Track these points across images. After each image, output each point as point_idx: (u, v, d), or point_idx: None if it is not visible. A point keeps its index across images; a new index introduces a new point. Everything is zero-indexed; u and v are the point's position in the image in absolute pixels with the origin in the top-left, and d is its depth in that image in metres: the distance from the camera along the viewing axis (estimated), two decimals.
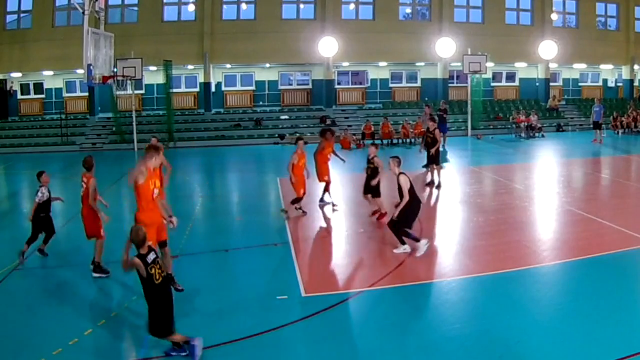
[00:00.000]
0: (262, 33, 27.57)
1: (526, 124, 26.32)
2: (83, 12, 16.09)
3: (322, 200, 12.35)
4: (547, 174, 17.01)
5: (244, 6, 28.39)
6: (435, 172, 14.08)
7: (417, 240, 8.70)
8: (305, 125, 27.51)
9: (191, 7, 27.13)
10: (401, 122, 25.45)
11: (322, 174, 12.07)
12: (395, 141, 24.56)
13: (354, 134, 24.95)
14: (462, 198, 13.25)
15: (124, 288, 7.77)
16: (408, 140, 24.67)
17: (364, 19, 29.13)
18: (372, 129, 24.96)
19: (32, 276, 8.41)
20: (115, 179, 17.52)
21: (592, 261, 8.34)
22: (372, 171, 10.71)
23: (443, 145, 22.93)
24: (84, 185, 8.86)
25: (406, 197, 8.47)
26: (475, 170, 17.33)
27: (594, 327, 6.14)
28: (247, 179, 15.99)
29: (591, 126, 24.65)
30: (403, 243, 8.74)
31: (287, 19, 28.44)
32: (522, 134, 26.17)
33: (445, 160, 19.73)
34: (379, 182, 10.51)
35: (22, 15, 27.79)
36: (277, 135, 26.20)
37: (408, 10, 30.70)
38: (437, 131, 13.90)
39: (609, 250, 8.68)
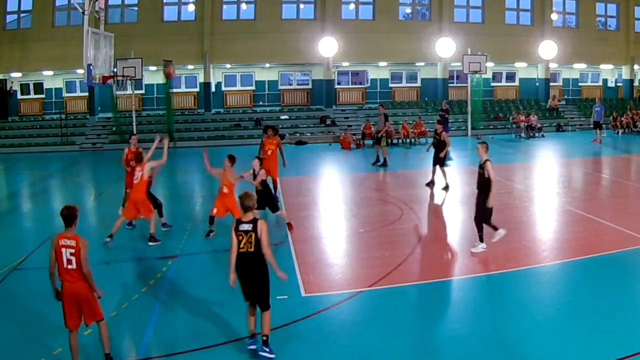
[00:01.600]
0: (262, 33, 27.55)
1: (526, 124, 26.32)
2: (83, 12, 16.09)
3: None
4: (547, 174, 17.02)
5: (244, 6, 28.38)
6: (441, 173, 14.01)
7: (496, 228, 8.84)
8: (305, 125, 27.50)
9: (191, 7, 27.13)
10: (401, 122, 25.43)
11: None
12: (395, 141, 24.53)
13: (354, 134, 24.94)
14: (462, 198, 13.24)
15: (124, 288, 7.78)
16: (408, 140, 24.65)
17: (364, 19, 29.12)
18: (372, 129, 24.93)
19: (32, 276, 8.40)
20: (116, 179, 17.52)
21: (592, 261, 8.35)
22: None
23: None
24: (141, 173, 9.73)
25: (494, 181, 8.61)
26: (476, 170, 17.28)
27: (594, 327, 6.14)
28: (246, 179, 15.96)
29: (591, 126, 24.65)
30: (482, 240, 8.79)
31: (287, 19, 28.42)
32: (522, 134, 26.16)
33: (449, 160, 19.75)
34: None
35: (22, 15, 27.77)
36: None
37: (408, 10, 30.70)
38: (444, 133, 13.93)
39: (609, 250, 8.68)
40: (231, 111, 29.14)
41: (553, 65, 31.05)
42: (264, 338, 5.72)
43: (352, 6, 29.02)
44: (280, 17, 28.39)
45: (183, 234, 10.22)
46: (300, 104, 30.26)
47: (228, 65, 29.33)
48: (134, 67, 23.38)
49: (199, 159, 13.50)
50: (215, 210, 9.88)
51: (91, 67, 16.04)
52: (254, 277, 5.80)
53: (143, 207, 9.66)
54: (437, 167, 13.96)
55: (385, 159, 17.95)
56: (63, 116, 26.68)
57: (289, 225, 10.22)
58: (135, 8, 27.80)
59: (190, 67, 28.56)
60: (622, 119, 27.04)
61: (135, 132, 24.44)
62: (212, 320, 6.67)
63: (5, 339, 6.19)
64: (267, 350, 5.66)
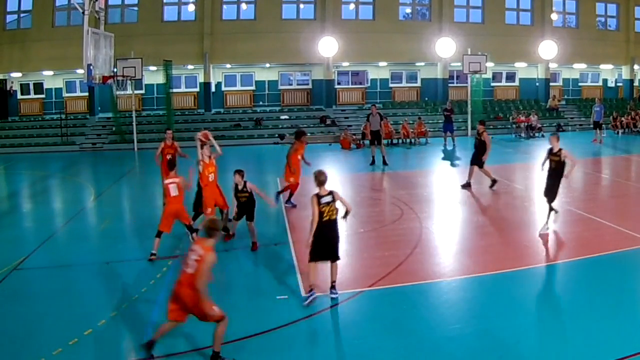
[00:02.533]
0: (262, 33, 27.56)
1: (526, 124, 26.32)
2: (83, 12, 16.07)
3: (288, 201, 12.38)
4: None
5: (244, 6, 28.38)
6: (474, 173, 13.92)
7: (556, 211, 9.99)
8: (305, 125, 27.48)
9: (191, 7, 27.12)
10: (401, 122, 25.43)
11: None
12: (395, 141, 24.54)
13: (354, 134, 24.94)
14: (462, 198, 13.24)
15: (124, 288, 7.78)
16: (408, 140, 24.65)
17: (364, 19, 29.12)
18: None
19: (32, 276, 8.41)
20: (116, 179, 17.53)
21: (592, 261, 8.35)
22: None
23: (453, 145, 23.01)
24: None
25: (574, 162, 9.79)
26: (475, 170, 17.28)
27: (594, 327, 6.14)
28: (247, 179, 15.95)
29: (591, 126, 24.65)
30: (553, 210, 9.91)
31: (287, 19, 28.42)
32: (522, 134, 26.16)
33: (451, 159, 19.77)
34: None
35: (22, 15, 27.77)
36: (277, 135, 26.20)
37: (408, 10, 30.70)
38: (485, 134, 13.83)
39: (609, 250, 8.68)
40: (231, 111, 29.13)
41: (553, 65, 31.04)
42: (333, 283, 7.09)
43: (352, 6, 29.02)
44: (280, 17, 28.39)
45: (183, 234, 10.21)
46: (300, 104, 30.26)
47: (228, 65, 29.33)
48: (134, 67, 23.41)
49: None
50: (210, 210, 9.69)
51: (91, 67, 16.02)
52: (336, 238, 6.99)
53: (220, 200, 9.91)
54: (476, 167, 13.80)
55: (384, 157, 18.02)
56: (63, 116, 26.68)
57: (254, 244, 9.40)
58: (135, 8, 27.80)
59: (190, 67, 28.57)
60: (623, 119, 27.04)
61: (135, 131, 24.55)
62: None
63: (5, 339, 6.19)
64: (335, 292, 7.10)
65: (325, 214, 6.78)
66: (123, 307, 7.02)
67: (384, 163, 18.09)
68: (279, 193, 12.69)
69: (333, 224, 6.89)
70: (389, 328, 6.37)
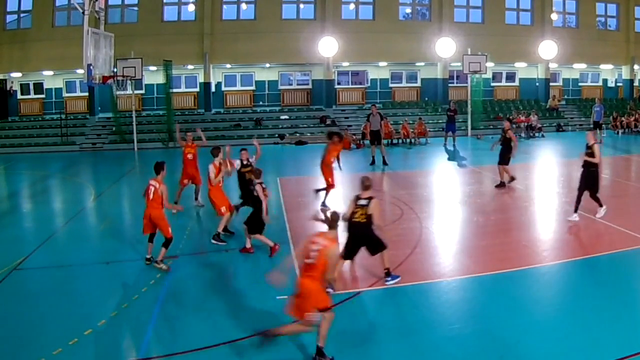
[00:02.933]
0: (262, 33, 27.55)
1: (526, 124, 26.32)
2: (83, 12, 16.07)
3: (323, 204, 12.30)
4: (547, 174, 17.01)
5: (244, 6, 28.37)
6: (504, 172, 13.94)
7: (601, 204, 10.59)
8: (305, 126, 27.50)
9: (191, 7, 27.10)
10: (401, 122, 25.43)
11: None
12: (395, 141, 24.54)
13: (354, 134, 24.94)
14: (462, 198, 13.25)
15: (124, 288, 7.78)
16: (408, 140, 24.65)
17: (364, 19, 29.11)
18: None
19: (32, 276, 8.41)
20: (116, 179, 17.53)
21: (592, 261, 8.35)
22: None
23: (453, 145, 23.00)
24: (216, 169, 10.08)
25: (600, 160, 10.37)
26: (476, 170, 17.32)
27: (594, 327, 6.14)
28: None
29: (591, 126, 24.64)
30: (601, 205, 10.58)
31: (287, 19, 28.42)
32: (522, 134, 26.14)
33: (452, 159, 19.75)
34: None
35: (22, 15, 27.76)
36: (277, 135, 26.20)
37: (408, 10, 30.69)
38: (510, 132, 13.95)
39: (609, 250, 8.69)
40: (231, 111, 29.13)
41: (553, 65, 31.04)
42: (386, 271, 7.56)
43: (352, 6, 29.01)
44: (280, 17, 28.38)
45: (183, 234, 10.22)
46: (300, 104, 30.26)
47: (228, 65, 29.33)
48: (134, 67, 23.41)
49: (198, 159, 13.52)
50: (224, 209, 9.95)
51: (91, 67, 16.02)
52: (364, 239, 7.44)
53: (217, 202, 9.93)
54: (503, 165, 13.87)
55: (384, 157, 18.03)
56: (63, 116, 26.68)
57: (247, 249, 9.19)
58: (135, 8, 27.79)
59: (190, 67, 28.56)
60: (623, 119, 27.03)
61: (135, 131, 24.55)
62: (212, 320, 6.67)
63: (5, 339, 6.19)
64: (390, 279, 7.56)
65: (356, 215, 7.31)
66: (123, 307, 7.01)
67: (384, 163, 18.10)
68: (317, 191, 12.66)
69: (360, 225, 7.31)
70: (389, 328, 6.37)
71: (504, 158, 13.80)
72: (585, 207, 11.50)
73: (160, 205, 8.44)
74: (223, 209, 9.91)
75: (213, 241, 9.71)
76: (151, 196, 8.42)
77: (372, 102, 27.44)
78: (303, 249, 5.69)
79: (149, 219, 8.47)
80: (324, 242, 5.52)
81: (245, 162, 10.60)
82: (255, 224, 8.95)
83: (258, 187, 8.89)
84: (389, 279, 7.61)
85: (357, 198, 7.38)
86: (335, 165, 12.47)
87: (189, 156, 13.04)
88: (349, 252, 7.49)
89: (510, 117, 14.44)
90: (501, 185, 13.82)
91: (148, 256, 8.61)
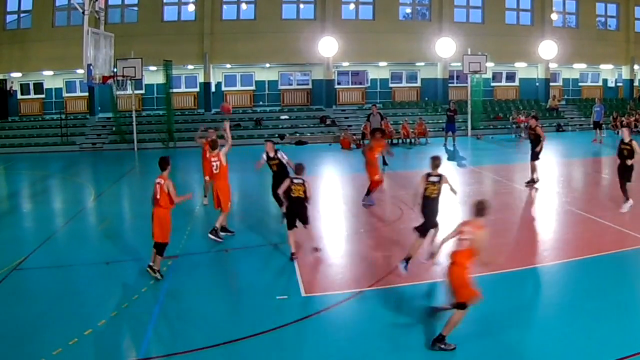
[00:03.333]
0: (262, 33, 27.55)
1: (526, 124, 26.29)
2: (83, 12, 16.07)
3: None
4: (547, 174, 17.00)
5: (244, 6, 28.37)
6: (533, 168, 14.02)
7: (627, 198, 11.08)
8: (305, 126, 27.50)
9: (191, 7, 27.10)
10: (401, 122, 25.43)
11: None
12: (395, 141, 24.53)
13: (354, 134, 24.94)
14: (462, 198, 13.22)
15: (124, 288, 7.78)
16: (408, 140, 24.65)
17: (364, 19, 29.11)
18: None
19: (32, 276, 8.41)
20: (116, 179, 17.53)
21: (592, 261, 8.35)
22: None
23: (453, 145, 22.99)
24: (218, 163, 9.83)
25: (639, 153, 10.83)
26: (475, 170, 17.32)
27: (594, 327, 6.14)
28: (247, 179, 15.97)
29: (591, 126, 24.66)
30: (628, 199, 11.04)
31: (287, 19, 28.42)
32: (522, 134, 26.14)
33: (452, 159, 19.74)
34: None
35: (22, 15, 27.76)
36: (277, 135, 26.19)
37: (408, 10, 30.69)
38: (538, 128, 14.03)
39: (609, 250, 8.68)
40: (231, 111, 29.08)
41: (553, 65, 31.04)
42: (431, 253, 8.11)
43: (352, 6, 29.00)
44: (280, 17, 28.38)
45: (183, 234, 10.22)
46: (300, 104, 30.26)
47: (228, 65, 29.33)
48: (134, 67, 23.40)
49: (199, 159, 13.54)
50: (230, 205, 9.95)
51: (91, 67, 16.02)
52: (435, 212, 8.25)
53: (223, 197, 9.74)
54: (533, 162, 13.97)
55: (384, 157, 18.02)
56: (63, 116, 26.68)
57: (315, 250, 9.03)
58: (135, 8, 27.79)
59: (190, 67, 28.56)
60: (623, 119, 27.02)
61: (135, 131, 24.57)
62: (211, 320, 6.67)
63: (5, 339, 6.19)
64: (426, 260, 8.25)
65: (428, 191, 8.11)
66: (123, 307, 7.01)
67: (384, 163, 18.09)
68: (368, 194, 12.53)
69: (432, 201, 8.13)
70: (389, 328, 6.37)
71: (535, 154, 13.92)
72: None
73: (168, 204, 7.90)
74: (229, 205, 9.86)
75: (210, 236, 9.67)
76: (158, 196, 7.89)
77: (372, 102, 27.44)
78: (453, 236, 6.00)
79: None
80: (473, 229, 5.77)
81: (272, 155, 10.26)
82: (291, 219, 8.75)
83: (287, 183, 8.69)
84: (425, 260, 8.29)
85: (429, 175, 8.14)
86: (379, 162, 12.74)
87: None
88: (429, 226, 8.29)
89: (536, 115, 14.75)
90: (531, 182, 13.90)
91: (156, 268, 8.03)
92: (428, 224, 8.30)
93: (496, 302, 7.05)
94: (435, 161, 8.33)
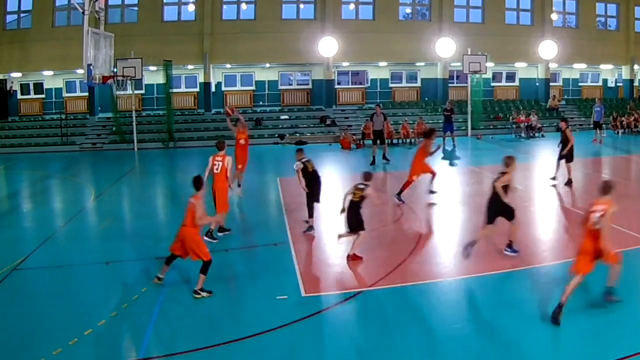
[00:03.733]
0: (262, 33, 27.55)
1: (526, 124, 26.32)
2: (83, 12, 16.07)
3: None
4: (547, 174, 17.00)
5: (244, 6, 28.37)
6: (564, 168, 14.27)
7: None
8: (305, 126, 27.50)
9: (191, 7, 27.11)
10: (401, 122, 25.43)
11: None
12: (395, 141, 24.53)
13: (354, 134, 24.94)
14: (462, 198, 13.24)
15: (124, 288, 7.78)
16: (408, 140, 24.64)
17: (364, 19, 29.12)
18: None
19: (32, 276, 8.41)
20: (116, 179, 17.54)
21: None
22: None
23: (452, 144, 23.00)
24: (220, 164, 9.75)
25: None
26: (475, 170, 17.32)
27: (593, 327, 6.14)
28: (247, 179, 15.97)
29: (591, 126, 24.65)
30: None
31: (287, 19, 28.42)
32: (522, 134, 26.16)
33: (451, 159, 19.75)
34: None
35: (22, 15, 27.77)
36: (277, 135, 26.20)
37: (408, 10, 30.69)
38: (568, 131, 14.37)
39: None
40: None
41: (553, 65, 31.03)
42: (510, 243, 8.61)
43: (352, 6, 29.01)
44: (280, 17, 28.38)
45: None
46: (300, 104, 30.26)
47: (228, 65, 29.33)
48: (134, 67, 23.41)
49: (199, 159, 13.51)
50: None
51: (91, 67, 16.02)
52: (494, 205, 8.44)
53: (221, 197, 9.72)
54: (563, 162, 14.24)
55: (384, 154, 18.22)
56: (63, 116, 26.69)
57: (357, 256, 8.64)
58: (135, 8, 27.80)
59: (190, 67, 28.56)
60: (623, 119, 27.02)
61: (135, 131, 24.57)
62: (212, 320, 6.67)
63: (5, 339, 6.19)
64: (510, 250, 8.60)
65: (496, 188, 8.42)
66: (123, 307, 7.01)
67: (385, 158, 18.19)
68: (431, 192, 12.93)
69: (496, 196, 8.36)
70: (388, 328, 6.37)
71: (569, 156, 14.16)
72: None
73: (194, 224, 7.39)
74: (227, 206, 9.91)
75: (205, 238, 9.59)
76: (188, 215, 7.39)
77: (372, 102, 27.47)
78: (585, 216, 6.61)
79: (181, 241, 7.44)
80: (603, 207, 6.35)
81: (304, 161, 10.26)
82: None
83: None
84: (509, 250, 8.58)
85: (501, 174, 8.41)
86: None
87: (241, 142, 13.56)
88: (493, 218, 8.52)
89: (566, 118, 15.27)
90: (569, 182, 14.02)
91: (160, 276, 7.70)
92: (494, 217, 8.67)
93: (496, 302, 7.05)
94: (506, 160, 8.63)
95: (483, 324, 6.38)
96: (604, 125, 24.34)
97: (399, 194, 12.44)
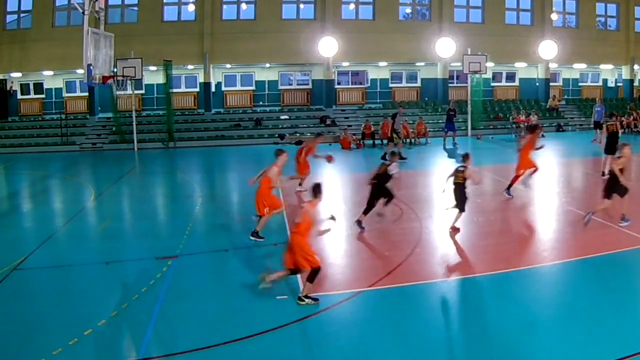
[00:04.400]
0: (262, 33, 27.57)
1: (526, 124, 26.29)
2: (83, 12, 16.07)
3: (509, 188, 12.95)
4: (547, 174, 17.00)
5: (244, 6, 28.39)
6: (607, 163, 14.33)
7: None
8: (305, 126, 27.51)
9: (191, 7, 27.13)
10: (401, 122, 25.38)
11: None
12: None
13: (354, 134, 24.95)
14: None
15: (124, 288, 7.78)
16: (408, 140, 24.63)
17: (364, 19, 29.13)
18: (372, 128, 24.94)
19: (32, 276, 8.41)
20: (116, 179, 17.54)
21: (592, 261, 8.34)
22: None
23: (454, 143, 22.98)
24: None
25: None
26: (475, 170, 17.25)
27: (594, 327, 6.14)
28: (247, 179, 15.97)
29: (591, 126, 24.64)
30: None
31: (287, 19, 28.44)
32: (522, 134, 26.12)
33: (452, 160, 19.74)
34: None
35: (22, 15, 27.78)
36: (277, 135, 26.20)
37: (408, 10, 30.71)
38: (617, 124, 15.03)
39: (609, 250, 8.67)
40: (231, 111, 29.14)
41: (553, 65, 31.05)
42: (622, 215, 9.70)
43: (352, 6, 29.02)
44: (280, 17, 28.40)
45: (183, 234, 10.22)
46: (300, 104, 30.27)
47: (228, 65, 29.34)
48: (134, 67, 23.44)
49: (199, 159, 13.51)
50: (267, 210, 9.74)
51: (91, 67, 16.02)
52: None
53: (267, 201, 9.73)
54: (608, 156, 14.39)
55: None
56: (63, 116, 26.70)
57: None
58: (135, 8, 27.81)
59: (190, 67, 28.58)
60: (623, 119, 27.01)
61: (135, 131, 24.58)
62: (212, 320, 6.67)
63: (5, 339, 6.19)
64: (624, 221, 9.68)
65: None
66: (123, 307, 7.01)
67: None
68: (524, 185, 13.23)
69: (614, 176, 9.50)
70: (388, 328, 6.37)
71: (612, 148, 14.16)
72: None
73: (306, 231, 7.03)
74: (266, 210, 9.68)
75: (252, 238, 9.63)
76: (299, 220, 7.04)
77: (372, 102, 27.51)
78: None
79: (291, 250, 7.06)
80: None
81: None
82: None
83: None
84: (623, 221, 9.64)
85: (618, 157, 9.35)
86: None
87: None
88: (608, 195, 9.67)
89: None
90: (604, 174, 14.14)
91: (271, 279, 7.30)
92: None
93: (496, 302, 7.05)
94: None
95: (483, 324, 6.38)
96: (604, 125, 24.29)
97: (508, 188, 12.81)
